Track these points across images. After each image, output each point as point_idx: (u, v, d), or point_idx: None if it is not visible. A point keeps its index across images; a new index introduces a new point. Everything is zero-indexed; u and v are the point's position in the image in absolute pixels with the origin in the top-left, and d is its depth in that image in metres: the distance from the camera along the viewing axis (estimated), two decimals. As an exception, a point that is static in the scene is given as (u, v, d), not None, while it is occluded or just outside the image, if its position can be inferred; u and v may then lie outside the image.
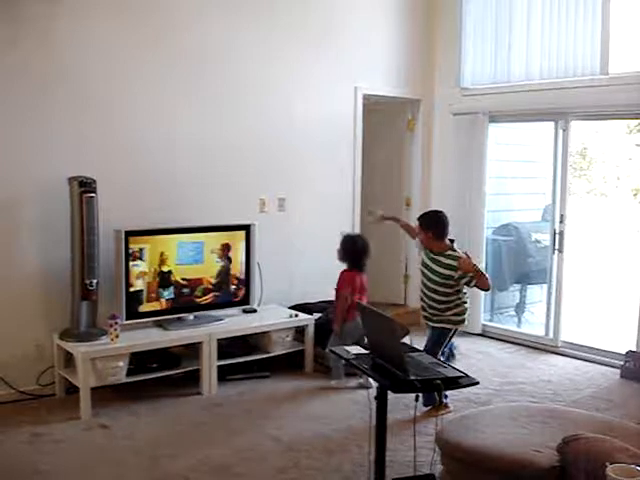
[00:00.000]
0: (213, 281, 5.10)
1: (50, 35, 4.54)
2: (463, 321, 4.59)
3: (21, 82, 4.46)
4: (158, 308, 4.87)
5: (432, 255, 4.51)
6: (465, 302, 4.57)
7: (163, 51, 5.04)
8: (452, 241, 4.55)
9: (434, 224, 4.54)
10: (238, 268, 5.21)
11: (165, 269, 4.85)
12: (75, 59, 4.65)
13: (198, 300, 5.04)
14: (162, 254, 4.83)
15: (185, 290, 4.97)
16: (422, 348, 4.57)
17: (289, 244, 5.85)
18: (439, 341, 4.55)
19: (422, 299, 4.64)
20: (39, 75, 4.52)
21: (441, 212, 4.65)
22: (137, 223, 4.79)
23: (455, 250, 4.48)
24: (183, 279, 4.95)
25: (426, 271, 4.55)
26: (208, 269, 5.07)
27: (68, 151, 4.66)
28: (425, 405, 4.49)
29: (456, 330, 4.60)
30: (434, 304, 4.53)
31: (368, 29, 6.30)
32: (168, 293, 4.89)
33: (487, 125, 6.41)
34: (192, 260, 4.98)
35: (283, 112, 5.77)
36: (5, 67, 4.40)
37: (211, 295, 5.10)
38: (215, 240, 5.10)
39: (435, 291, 4.50)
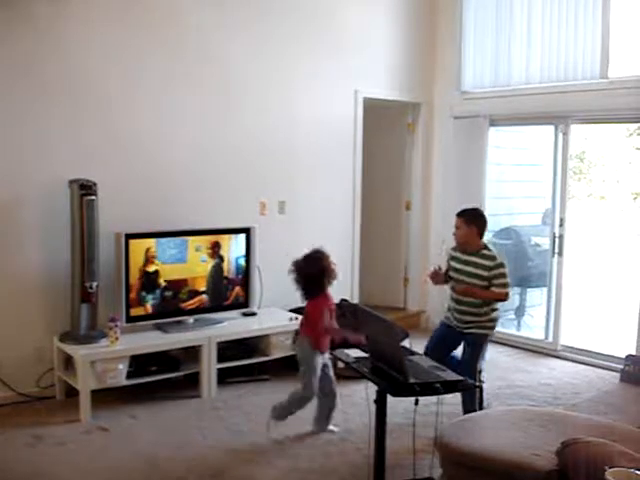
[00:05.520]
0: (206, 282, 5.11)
1: (51, 36, 4.55)
2: (494, 327, 4.45)
3: (22, 83, 4.47)
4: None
5: (465, 257, 4.42)
6: (497, 308, 4.43)
7: (164, 53, 5.05)
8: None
9: (479, 218, 4.45)
10: (230, 270, 5.23)
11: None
12: (76, 61, 4.66)
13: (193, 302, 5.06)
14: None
15: (168, 293, 4.94)
16: (460, 360, 4.43)
17: (289, 247, 5.83)
18: (478, 350, 4.35)
19: (450, 308, 4.49)
20: (40, 76, 4.53)
21: (482, 210, 4.54)
22: (138, 225, 4.80)
23: (490, 250, 4.39)
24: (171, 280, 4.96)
25: (460, 276, 4.42)
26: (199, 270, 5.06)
27: (69, 153, 4.67)
28: None
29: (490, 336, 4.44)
30: (469, 308, 4.36)
31: (369, 32, 6.31)
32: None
33: (487, 129, 6.42)
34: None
35: (283, 115, 5.77)
36: (6, 68, 4.40)
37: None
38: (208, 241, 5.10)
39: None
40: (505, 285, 4.32)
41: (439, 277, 4.56)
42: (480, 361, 4.39)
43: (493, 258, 4.33)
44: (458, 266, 4.46)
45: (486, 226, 4.47)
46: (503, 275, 4.31)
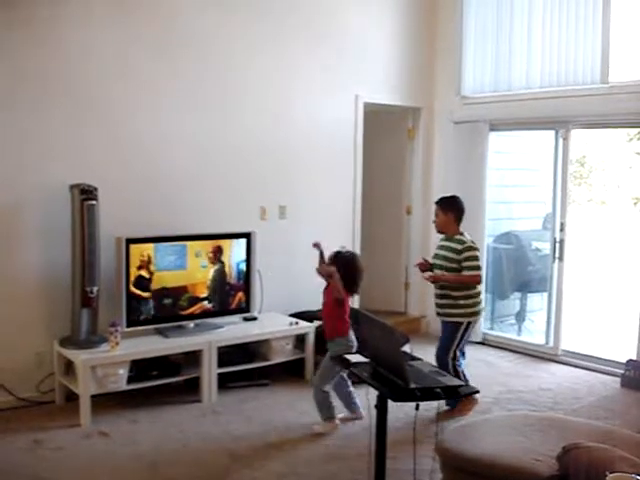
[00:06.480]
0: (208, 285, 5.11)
1: (51, 39, 4.56)
2: (474, 314, 4.62)
3: (22, 87, 4.48)
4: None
5: (442, 242, 4.70)
6: (475, 295, 4.60)
7: (165, 56, 5.05)
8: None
9: (455, 205, 4.71)
10: (232, 275, 5.22)
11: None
12: (77, 64, 4.67)
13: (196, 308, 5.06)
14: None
15: (167, 301, 4.94)
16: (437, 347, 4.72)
17: (290, 252, 5.84)
18: (451, 336, 4.60)
19: (435, 293, 4.71)
20: (40, 80, 4.53)
21: (459, 197, 4.81)
22: (138, 230, 4.80)
23: (464, 235, 4.63)
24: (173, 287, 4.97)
25: (436, 260, 4.69)
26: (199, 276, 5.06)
27: (69, 158, 4.68)
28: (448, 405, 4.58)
29: (469, 324, 4.60)
30: (443, 293, 4.61)
31: (369, 37, 6.32)
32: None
33: (487, 133, 6.42)
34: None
35: (284, 120, 5.78)
36: (6, 70, 4.41)
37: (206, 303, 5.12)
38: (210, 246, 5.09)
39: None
40: (474, 268, 4.54)
41: (424, 266, 4.81)
42: (451, 352, 4.59)
43: (463, 242, 4.58)
44: (437, 251, 4.75)
45: (463, 213, 4.72)
46: (472, 258, 4.55)
